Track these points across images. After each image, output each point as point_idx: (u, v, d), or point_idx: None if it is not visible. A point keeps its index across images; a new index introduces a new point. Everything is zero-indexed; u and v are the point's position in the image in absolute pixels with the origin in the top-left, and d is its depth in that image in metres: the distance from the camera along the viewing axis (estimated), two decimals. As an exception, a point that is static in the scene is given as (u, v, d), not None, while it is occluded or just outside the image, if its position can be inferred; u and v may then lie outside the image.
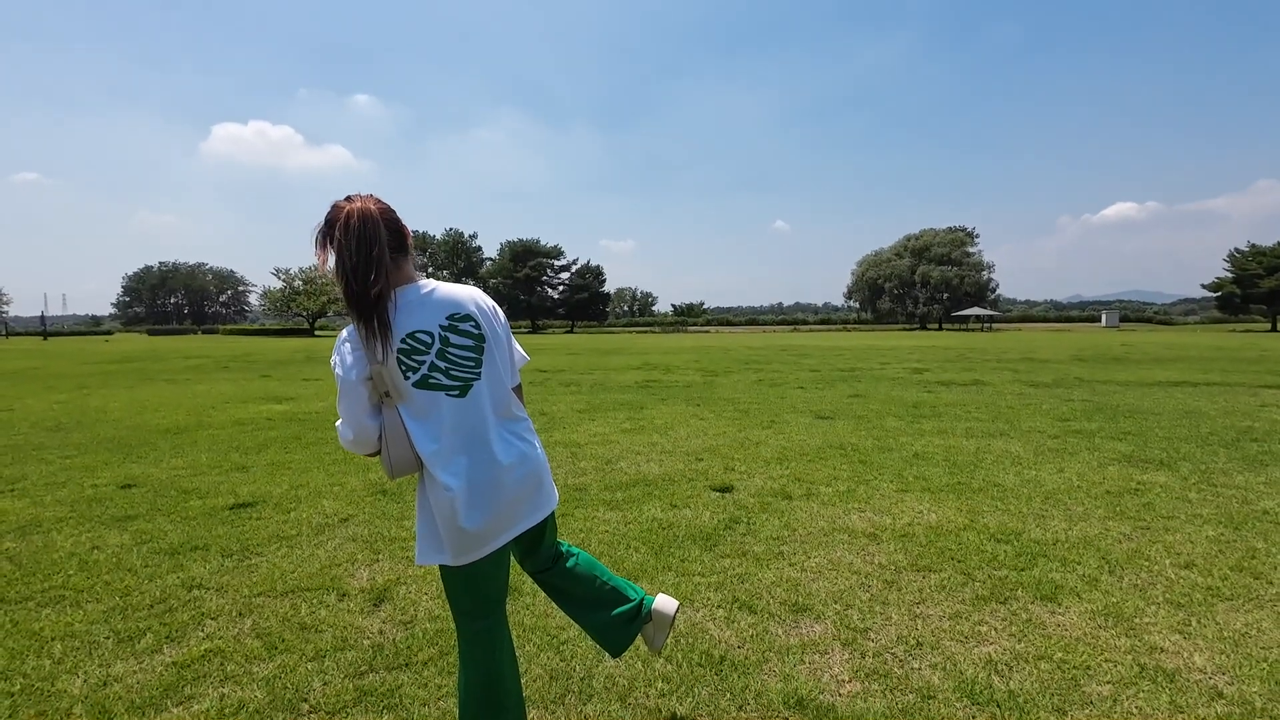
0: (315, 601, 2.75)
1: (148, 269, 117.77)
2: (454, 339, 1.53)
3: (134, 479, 4.84)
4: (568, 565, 1.87)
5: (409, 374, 1.49)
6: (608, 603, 1.89)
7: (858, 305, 77.79)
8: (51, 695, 2.11)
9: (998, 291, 70.48)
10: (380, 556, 3.24)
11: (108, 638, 2.46)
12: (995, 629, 2.45)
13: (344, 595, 2.80)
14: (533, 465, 1.64)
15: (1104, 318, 68.35)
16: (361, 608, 2.69)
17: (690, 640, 2.39)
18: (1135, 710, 1.97)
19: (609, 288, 79.68)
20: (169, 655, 2.34)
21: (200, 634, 2.49)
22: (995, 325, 65.98)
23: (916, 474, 4.67)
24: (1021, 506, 3.89)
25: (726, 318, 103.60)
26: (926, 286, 66.34)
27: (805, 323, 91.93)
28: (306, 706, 2.04)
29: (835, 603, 2.68)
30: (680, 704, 2.03)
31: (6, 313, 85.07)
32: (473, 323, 1.56)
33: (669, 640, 2.36)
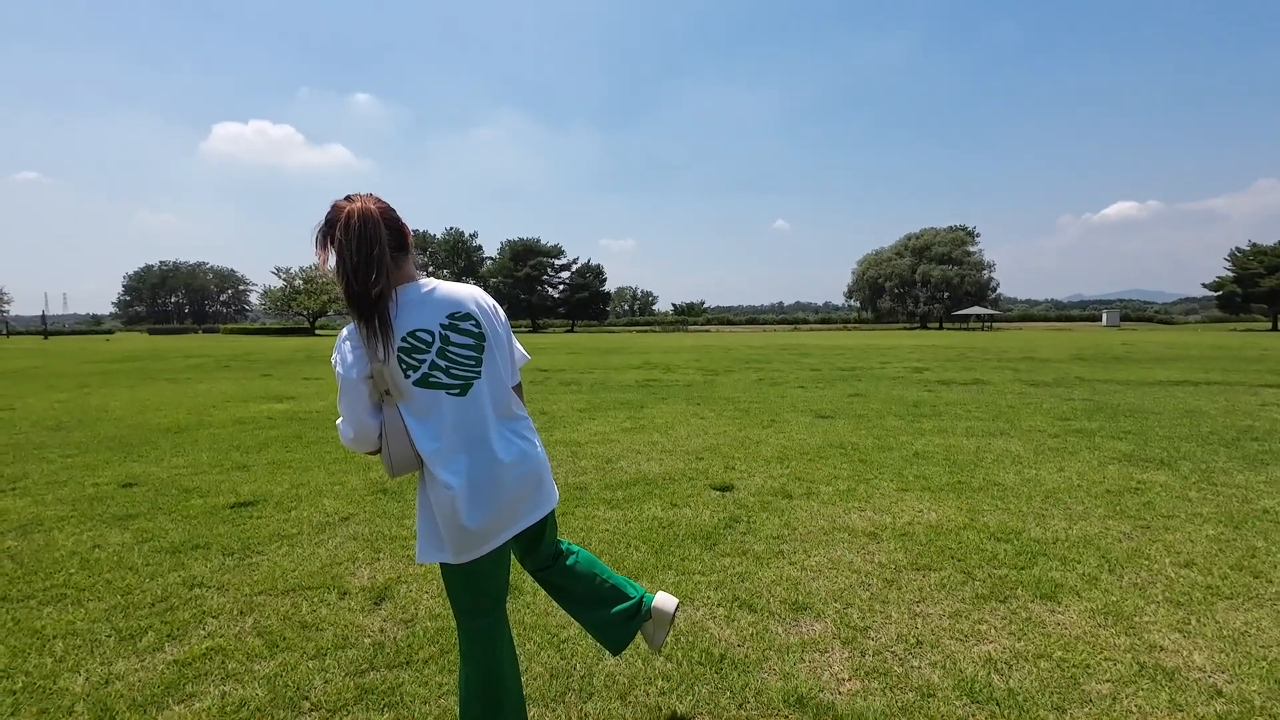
0: (316, 600, 2.75)
1: (148, 268, 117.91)
2: (454, 338, 1.54)
3: (135, 478, 4.84)
4: (568, 563, 1.88)
5: (409, 373, 1.50)
6: (608, 600, 1.90)
7: (858, 304, 77.78)
8: (53, 693, 2.12)
9: (998, 291, 70.45)
10: (381, 555, 3.24)
11: (109, 636, 2.47)
12: (995, 627, 2.45)
13: (345, 594, 2.81)
14: (533, 464, 1.65)
15: (1105, 317, 68.30)
16: (362, 606, 2.69)
17: (690, 639, 2.40)
18: (1134, 708, 1.97)
19: (609, 287, 79.75)
20: (170, 653, 2.34)
21: (201, 632, 2.50)
22: (996, 324, 65.94)
23: (917, 473, 4.67)
24: (1021, 505, 3.89)
25: (727, 317, 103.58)
26: (927, 286, 66.31)
27: (806, 322, 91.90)
28: (308, 704, 2.04)
29: (835, 601, 2.68)
30: (680, 702, 2.04)
31: (7, 312, 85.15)
32: (473, 321, 1.56)
33: (669, 638, 2.36)
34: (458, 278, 72.93)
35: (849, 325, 75.77)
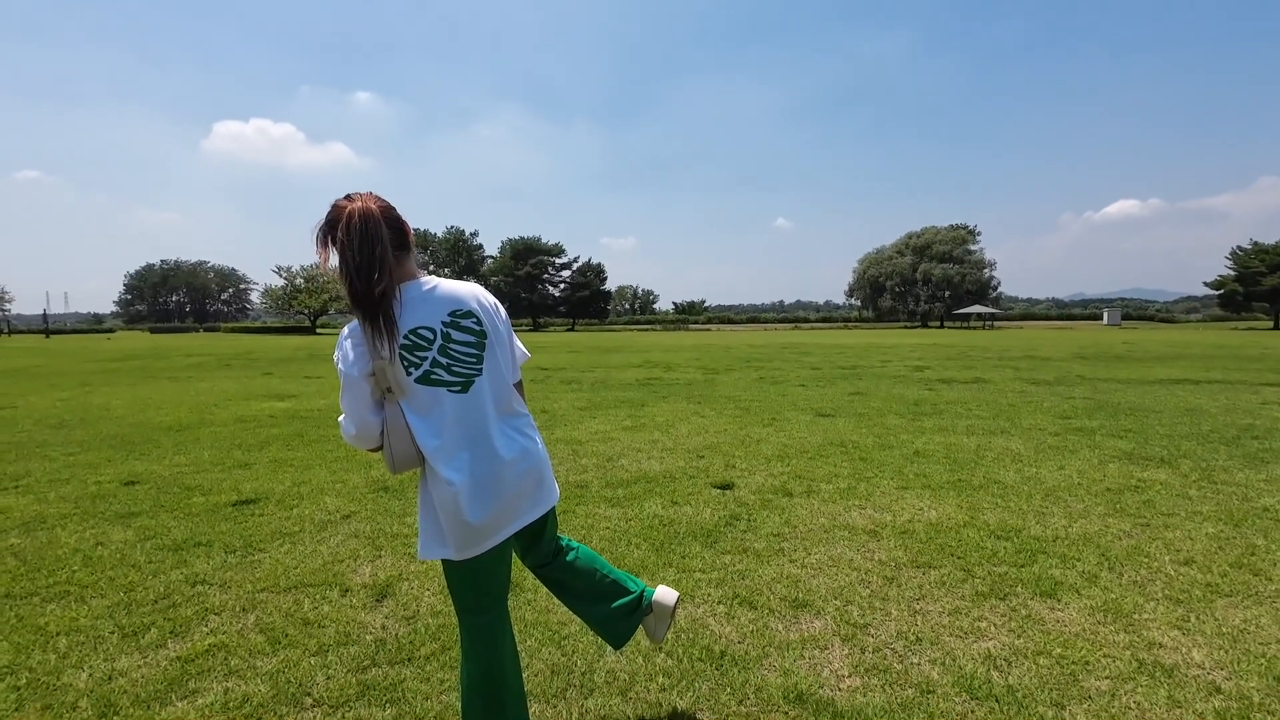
0: (318, 597, 2.76)
1: (149, 267, 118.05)
2: (456, 335, 1.54)
3: (137, 476, 4.86)
4: (568, 559, 1.89)
5: (411, 370, 1.51)
6: (608, 595, 1.91)
7: (859, 303, 77.75)
8: (57, 689, 2.13)
9: (999, 289, 70.40)
10: (382, 552, 3.25)
11: (112, 632, 2.48)
12: (995, 625, 2.46)
13: (346, 591, 2.82)
14: (534, 461, 1.66)
15: (1106, 316, 68.23)
16: (364, 603, 2.70)
17: (691, 636, 2.41)
18: (1133, 705, 1.98)
19: (610, 285, 79.73)
20: (173, 650, 2.35)
21: (204, 629, 2.51)
22: (997, 323, 65.89)
23: (917, 471, 4.68)
24: (1022, 504, 3.90)
25: (728, 316, 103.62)
26: (928, 284, 66.26)
27: (807, 321, 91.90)
28: (310, 700, 2.05)
29: (835, 599, 2.69)
30: (681, 698, 2.05)
31: (9, 311, 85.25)
32: (474, 319, 1.57)
33: (670, 633, 2.37)
34: (458, 276, 72.96)
35: (850, 324, 75.76)
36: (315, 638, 2.42)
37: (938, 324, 66.39)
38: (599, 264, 75.62)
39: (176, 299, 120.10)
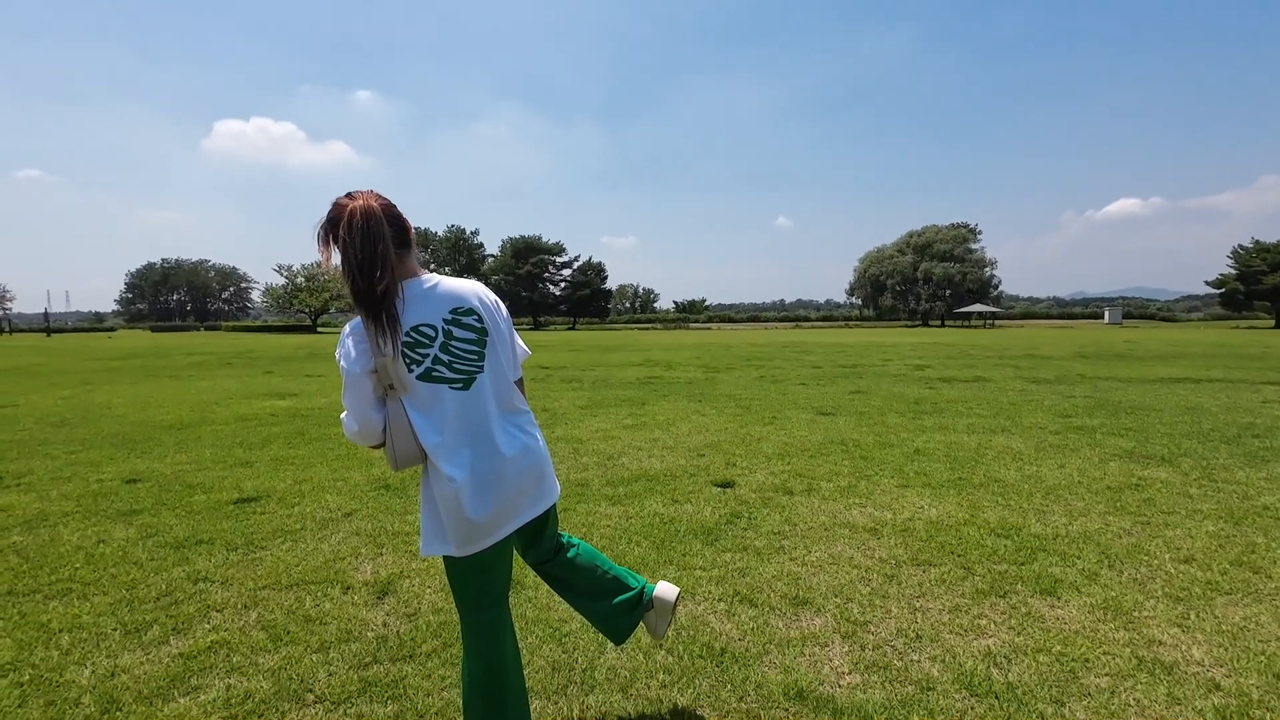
0: (320, 594, 2.77)
1: (150, 266, 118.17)
2: (457, 332, 1.55)
3: (139, 474, 4.87)
4: (569, 556, 1.89)
5: (413, 367, 1.51)
6: (609, 591, 1.91)
7: (860, 302, 77.74)
8: (60, 685, 2.14)
9: (1000, 288, 70.38)
10: (384, 550, 3.26)
11: (115, 629, 2.49)
12: (995, 622, 2.46)
13: (348, 588, 2.83)
14: (535, 458, 1.66)
15: (1107, 314, 68.14)
16: (365, 600, 2.71)
17: (691, 633, 2.41)
18: (1133, 702, 1.98)
19: (611, 284, 79.73)
20: (175, 647, 2.36)
21: (206, 626, 2.52)
22: (998, 322, 65.84)
23: (917, 469, 4.68)
24: (1022, 502, 3.90)
25: (728, 314, 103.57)
26: (929, 283, 66.24)
27: (807, 319, 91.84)
28: (311, 697, 2.06)
29: (835, 596, 2.69)
30: (681, 695, 2.05)
31: (10, 310, 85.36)
32: (476, 316, 1.58)
33: (670, 630, 2.38)
34: (459, 275, 72.81)
35: (850, 323, 75.70)
36: (317, 635, 2.43)
37: (938, 323, 66.36)
38: (599, 263, 75.66)
39: (177, 298, 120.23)
